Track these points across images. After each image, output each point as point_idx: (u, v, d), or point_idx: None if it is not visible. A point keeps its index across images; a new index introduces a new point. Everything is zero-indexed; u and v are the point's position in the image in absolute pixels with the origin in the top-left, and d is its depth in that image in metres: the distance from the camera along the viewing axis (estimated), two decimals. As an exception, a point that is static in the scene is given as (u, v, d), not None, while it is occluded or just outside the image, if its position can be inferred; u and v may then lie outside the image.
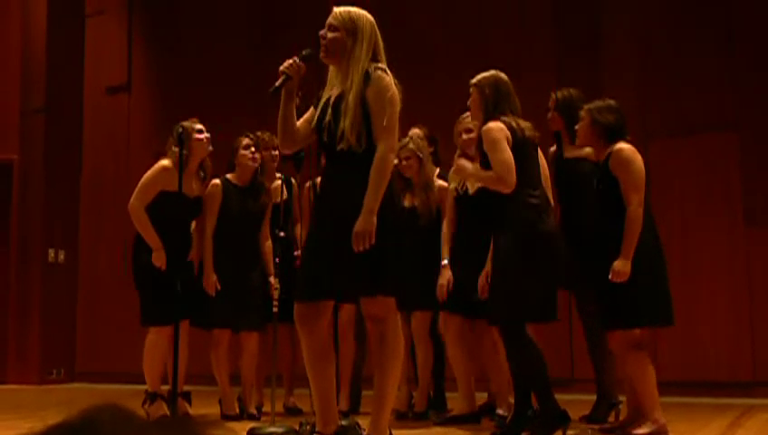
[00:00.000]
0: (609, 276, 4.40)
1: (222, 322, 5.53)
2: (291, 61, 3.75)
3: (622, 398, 5.00)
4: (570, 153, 5.27)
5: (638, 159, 4.57)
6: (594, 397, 5.34)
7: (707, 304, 6.95)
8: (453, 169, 4.90)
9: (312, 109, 3.87)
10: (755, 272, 6.94)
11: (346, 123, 3.59)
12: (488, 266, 4.67)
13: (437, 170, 5.77)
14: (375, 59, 3.71)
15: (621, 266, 4.40)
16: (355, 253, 3.52)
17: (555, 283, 4.49)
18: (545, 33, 7.78)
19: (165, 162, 5.38)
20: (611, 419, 5.10)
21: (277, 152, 5.86)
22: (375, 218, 3.52)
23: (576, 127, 4.84)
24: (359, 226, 3.52)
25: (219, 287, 5.46)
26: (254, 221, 5.70)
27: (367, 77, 3.64)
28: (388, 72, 3.68)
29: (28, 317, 8.80)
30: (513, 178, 4.29)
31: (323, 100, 3.78)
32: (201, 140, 5.39)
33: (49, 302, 8.86)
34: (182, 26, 9.29)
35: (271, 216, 5.80)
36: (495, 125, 4.39)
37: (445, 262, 5.25)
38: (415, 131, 5.72)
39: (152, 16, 9.45)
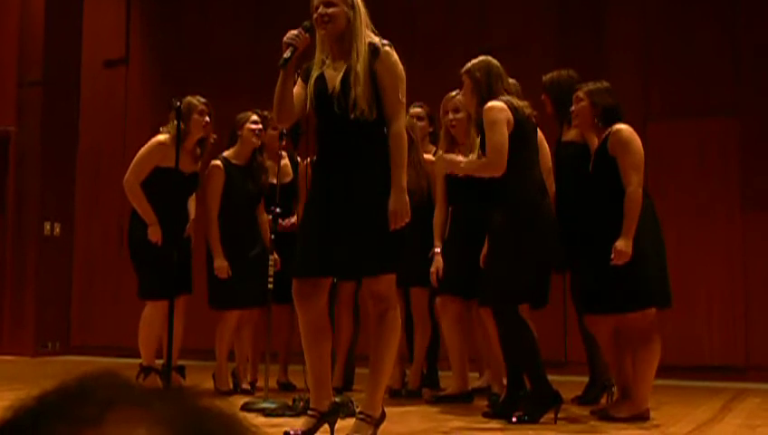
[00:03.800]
0: (611, 257, 4.38)
1: (233, 302, 5.54)
2: (296, 32, 3.73)
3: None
4: (564, 136, 5.26)
5: (636, 139, 4.58)
6: (587, 379, 5.36)
7: (702, 287, 6.96)
8: (440, 162, 4.89)
9: (299, 82, 3.85)
10: (751, 256, 6.95)
11: (358, 91, 3.60)
12: (486, 248, 4.68)
13: (435, 150, 5.76)
14: (369, 29, 3.75)
15: (623, 247, 4.38)
16: (362, 229, 3.53)
17: (548, 267, 4.49)
18: (547, 15, 7.75)
19: (161, 138, 5.36)
20: (604, 400, 5.12)
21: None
22: (405, 195, 3.56)
23: (572, 109, 4.83)
24: (394, 204, 3.54)
25: (231, 272, 5.46)
26: (254, 201, 5.67)
27: (375, 52, 3.65)
28: (393, 48, 3.70)
29: (23, 290, 8.80)
30: (503, 161, 4.31)
31: (315, 75, 3.76)
32: (201, 122, 5.36)
33: (44, 274, 8.85)
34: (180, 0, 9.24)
35: (268, 194, 5.76)
36: (497, 104, 4.39)
37: (437, 250, 5.25)
38: (415, 111, 5.69)
39: (151, -11, 9.39)
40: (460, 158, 4.65)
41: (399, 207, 3.54)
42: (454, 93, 5.18)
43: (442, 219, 5.30)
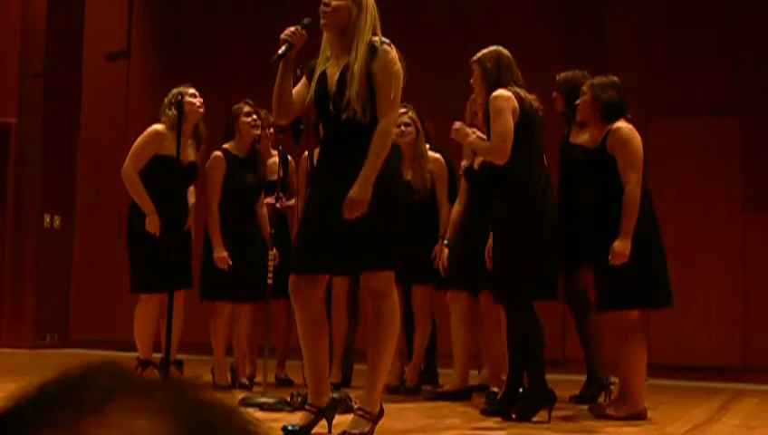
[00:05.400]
0: (609, 258, 4.38)
1: (225, 293, 5.52)
2: (293, 28, 3.72)
3: (614, 379, 5.02)
4: (573, 138, 5.25)
5: (636, 137, 4.55)
6: (585, 378, 5.36)
7: (701, 287, 6.96)
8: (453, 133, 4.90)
9: (303, 79, 3.85)
10: (750, 257, 6.95)
11: (351, 92, 3.59)
12: (491, 241, 4.67)
13: (428, 146, 5.77)
14: (374, 33, 3.71)
15: (621, 247, 4.38)
16: (360, 226, 3.53)
17: (552, 260, 4.48)
18: (549, 15, 7.74)
19: (157, 126, 5.37)
20: (601, 399, 5.12)
21: (272, 130, 5.83)
22: (370, 188, 3.53)
23: (576, 102, 4.83)
24: (354, 192, 3.52)
25: (231, 263, 5.42)
26: (254, 193, 5.67)
27: (373, 50, 3.64)
28: (393, 46, 3.68)
29: (22, 282, 8.81)
30: (507, 149, 4.29)
31: (318, 72, 3.76)
32: (194, 103, 5.34)
33: (43, 267, 8.85)
34: (183, -6, 9.24)
35: (266, 189, 5.76)
36: (503, 93, 4.39)
37: (445, 242, 5.27)
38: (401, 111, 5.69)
39: (153, -17, 9.39)
40: (469, 131, 4.63)
41: (360, 197, 3.52)
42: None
43: (460, 214, 5.30)
